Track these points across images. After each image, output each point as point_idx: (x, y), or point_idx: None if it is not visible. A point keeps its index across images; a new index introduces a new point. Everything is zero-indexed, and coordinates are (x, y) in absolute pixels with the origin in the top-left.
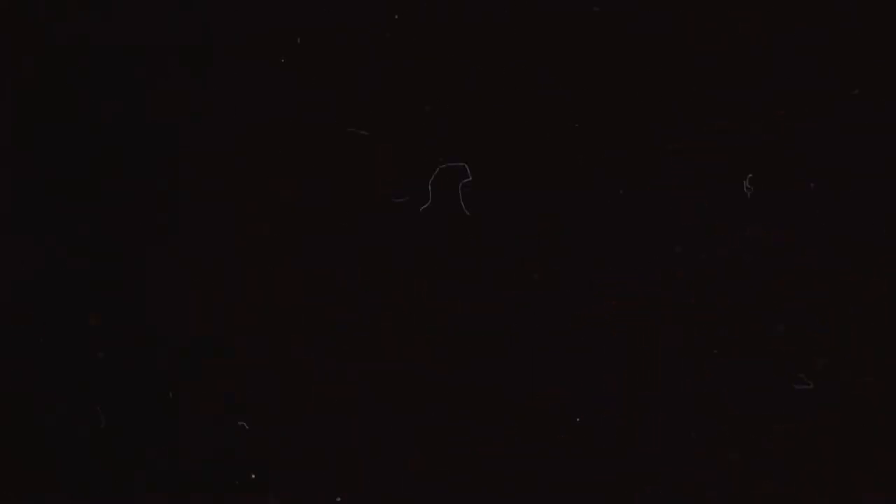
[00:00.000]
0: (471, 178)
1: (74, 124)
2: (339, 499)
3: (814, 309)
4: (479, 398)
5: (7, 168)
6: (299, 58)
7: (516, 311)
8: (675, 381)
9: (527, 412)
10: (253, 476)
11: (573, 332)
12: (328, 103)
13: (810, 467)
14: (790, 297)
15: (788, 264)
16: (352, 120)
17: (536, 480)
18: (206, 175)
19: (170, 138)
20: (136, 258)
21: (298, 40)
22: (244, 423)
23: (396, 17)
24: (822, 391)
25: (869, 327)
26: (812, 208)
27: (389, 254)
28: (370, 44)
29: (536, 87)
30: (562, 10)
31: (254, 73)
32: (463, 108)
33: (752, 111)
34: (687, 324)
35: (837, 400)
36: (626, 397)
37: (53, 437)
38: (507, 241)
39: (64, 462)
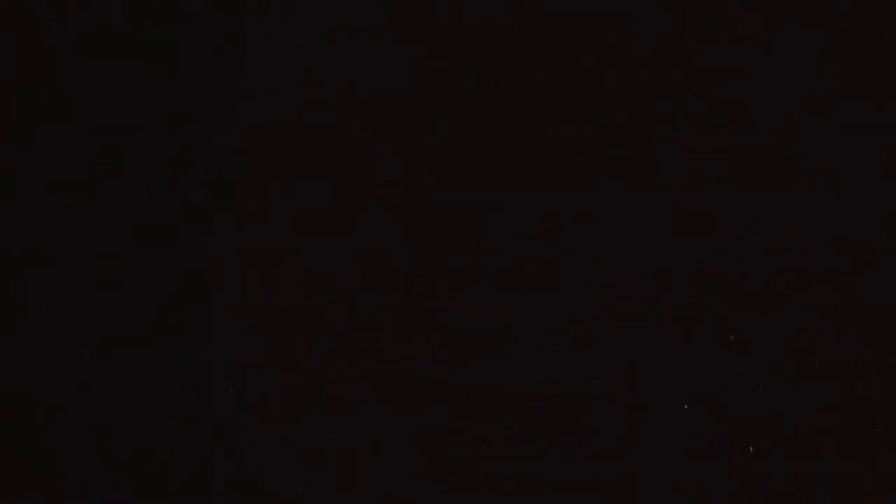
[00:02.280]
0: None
1: (74, 124)
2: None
3: (814, 309)
4: (479, 398)
5: (7, 168)
6: (299, 58)
7: (516, 311)
8: (675, 381)
9: (527, 412)
10: (254, 476)
11: (573, 332)
12: (328, 103)
13: (810, 467)
14: (790, 297)
15: (788, 264)
16: (352, 120)
17: (536, 480)
18: (206, 175)
19: (170, 138)
20: (135, 258)
21: (300, 42)
22: (244, 423)
23: (397, 17)
24: (822, 391)
25: (869, 327)
26: (812, 208)
27: (389, 254)
28: (371, 44)
29: (536, 87)
30: (562, 10)
31: (254, 73)
32: (463, 108)
33: (752, 111)
34: (687, 324)
35: (837, 400)
36: (626, 397)
37: (53, 437)
38: (507, 241)
39: (64, 462)
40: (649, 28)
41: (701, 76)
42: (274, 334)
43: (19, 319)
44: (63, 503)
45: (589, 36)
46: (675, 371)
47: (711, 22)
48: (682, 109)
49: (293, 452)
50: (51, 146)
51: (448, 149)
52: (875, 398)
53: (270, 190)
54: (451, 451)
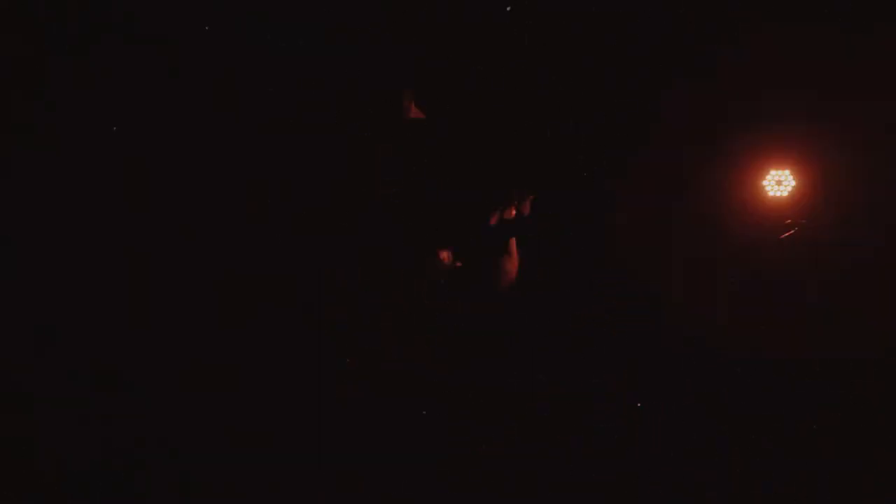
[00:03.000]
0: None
1: (74, 124)
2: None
3: (813, 309)
4: (479, 398)
5: (9, 168)
6: (300, 59)
7: (516, 311)
8: (675, 381)
9: (527, 412)
10: (255, 475)
11: (573, 332)
12: (328, 103)
13: (810, 467)
14: (790, 296)
15: (789, 264)
16: (352, 120)
17: (536, 480)
18: (206, 175)
19: (170, 139)
20: (136, 258)
21: (300, 42)
22: (245, 423)
23: (397, 17)
24: (822, 391)
25: (869, 327)
26: (812, 209)
27: (389, 254)
28: (371, 44)
29: (536, 87)
30: (561, 10)
31: (254, 74)
32: (463, 109)
33: (751, 111)
34: (687, 324)
35: (837, 400)
36: (626, 397)
37: (53, 438)
38: (506, 241)
39: (64, 462)
40: (649, 28)
41: (701, 76)
42: (274, 334)
43: (20, 319)
44: (63, 503)
45: (589, 36)
46: (675, 371)
47: (711, 22)
48: (682, 109)
49: (293, 452)
50: (52, 146)
51: (448, 149)
52: (875, 398)
53: (270, 190)
54: (451, 451)
